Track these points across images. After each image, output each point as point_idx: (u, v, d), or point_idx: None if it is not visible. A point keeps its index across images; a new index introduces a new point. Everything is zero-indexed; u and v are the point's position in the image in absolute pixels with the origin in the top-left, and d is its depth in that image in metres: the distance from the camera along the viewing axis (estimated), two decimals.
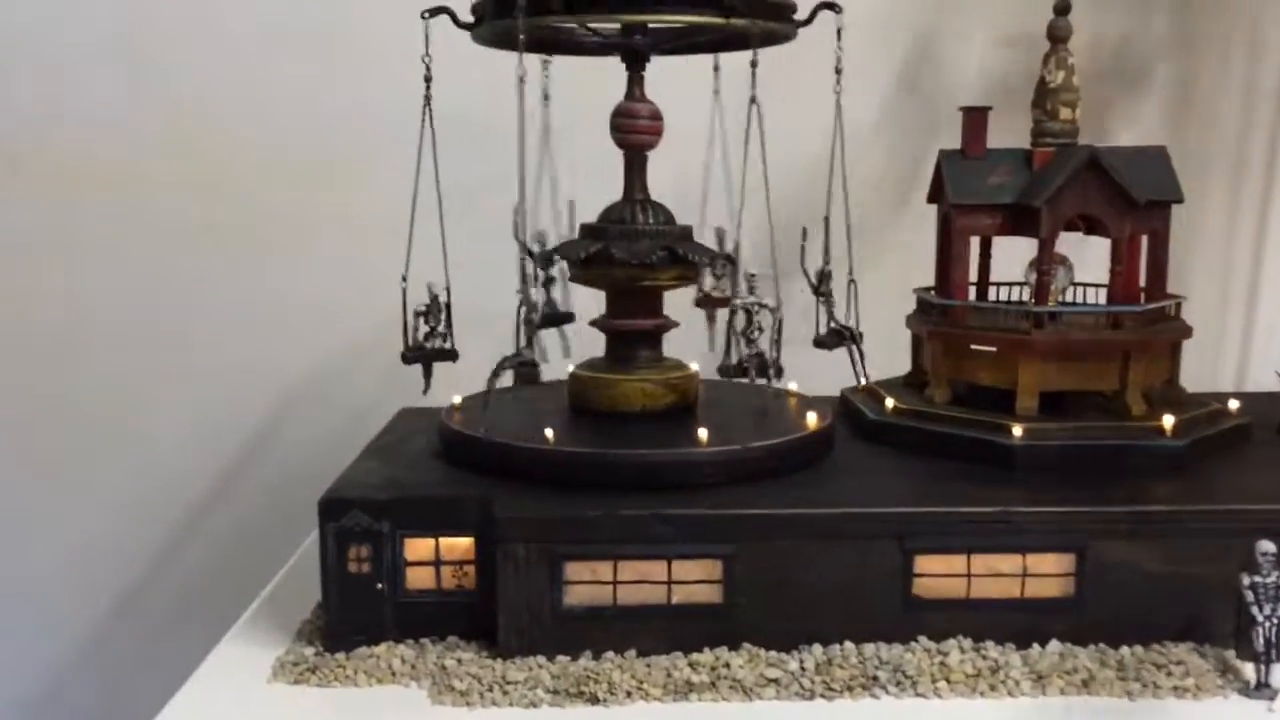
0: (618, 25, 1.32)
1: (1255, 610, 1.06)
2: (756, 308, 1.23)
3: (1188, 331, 1.40)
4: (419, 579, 1.15)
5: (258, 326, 1.94)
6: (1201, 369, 1.96)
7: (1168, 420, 1.27)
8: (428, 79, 1.28)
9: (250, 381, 1.97)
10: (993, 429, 1.29)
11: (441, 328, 1.36)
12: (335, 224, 1.88)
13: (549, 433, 1.21)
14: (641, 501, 1.12)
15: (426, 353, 1.35)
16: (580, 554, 1.11)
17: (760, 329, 1.27)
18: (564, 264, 1.22)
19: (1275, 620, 1.06)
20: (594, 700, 1.06)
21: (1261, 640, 1.06)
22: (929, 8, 1.87)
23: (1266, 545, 1.06)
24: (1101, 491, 1.16)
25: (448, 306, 1.36)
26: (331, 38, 1.84)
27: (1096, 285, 1.42)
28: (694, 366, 1.41)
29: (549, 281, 1.22)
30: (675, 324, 1.38)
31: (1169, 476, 1.22)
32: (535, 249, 1.21)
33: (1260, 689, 1.06)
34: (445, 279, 1.35)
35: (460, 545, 1.15)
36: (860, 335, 1.32)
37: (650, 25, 1.31)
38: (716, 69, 1.40)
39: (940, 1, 1.87)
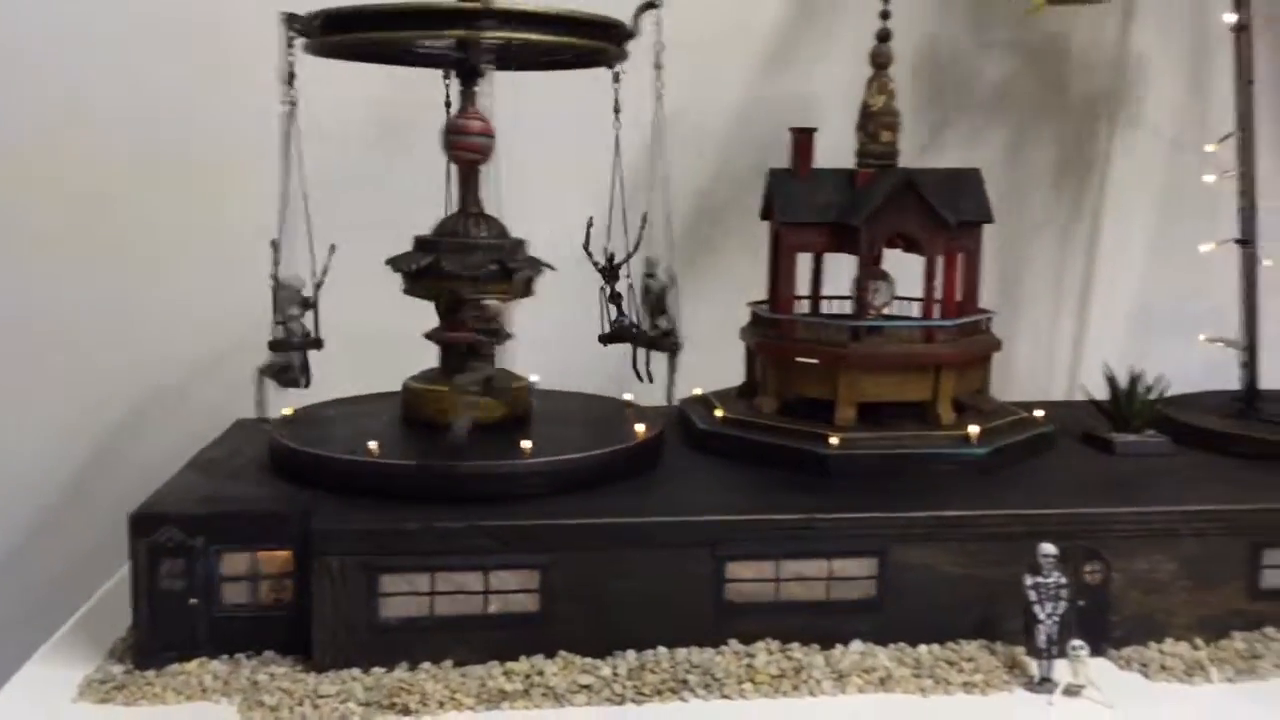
0: (452, 40, 1.34)
1: (1037, 609, 1.13)
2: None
3: (997, 345, 1.47)
4: (235, 594, 1.14)
5: (119, 332, 1.88)
6: (1034, 379, 2.08)
7: (973, 429, 1.34)
8: (288, 79, 1.27)
9: (109, 389, 1.91)
10: (811, 439, 1.34)
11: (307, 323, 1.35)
12: (203, 228, 1.84)
13: (373, 445, 1.22)
14: (460, 513, 1.14)
15: (295, 343, 1.34)
16: (397, 566, 1.12)
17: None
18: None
19: (1056, 618, 1.13)
20: (405, 711, 1.07)
21: (1043, 637, 1.13)
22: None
23: (1047, 547, 1.13)
24: (904, 498, 1.22)
25: (317, 289, 1.35)
26: (202, 38, 1.80)
27: (918, 300, 1.49)
28: (534, 378, 1.44)
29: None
30: (510, 335, 1.40)
31: (971, 483, 1.29)
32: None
33: (1042, 684, 1.13)
34: (312, 275, 1.34)
35: (279, 559, 1.15)
36: (676, 342, 1.37)
37: (484, 42, 1.33)
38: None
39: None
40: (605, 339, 1.43)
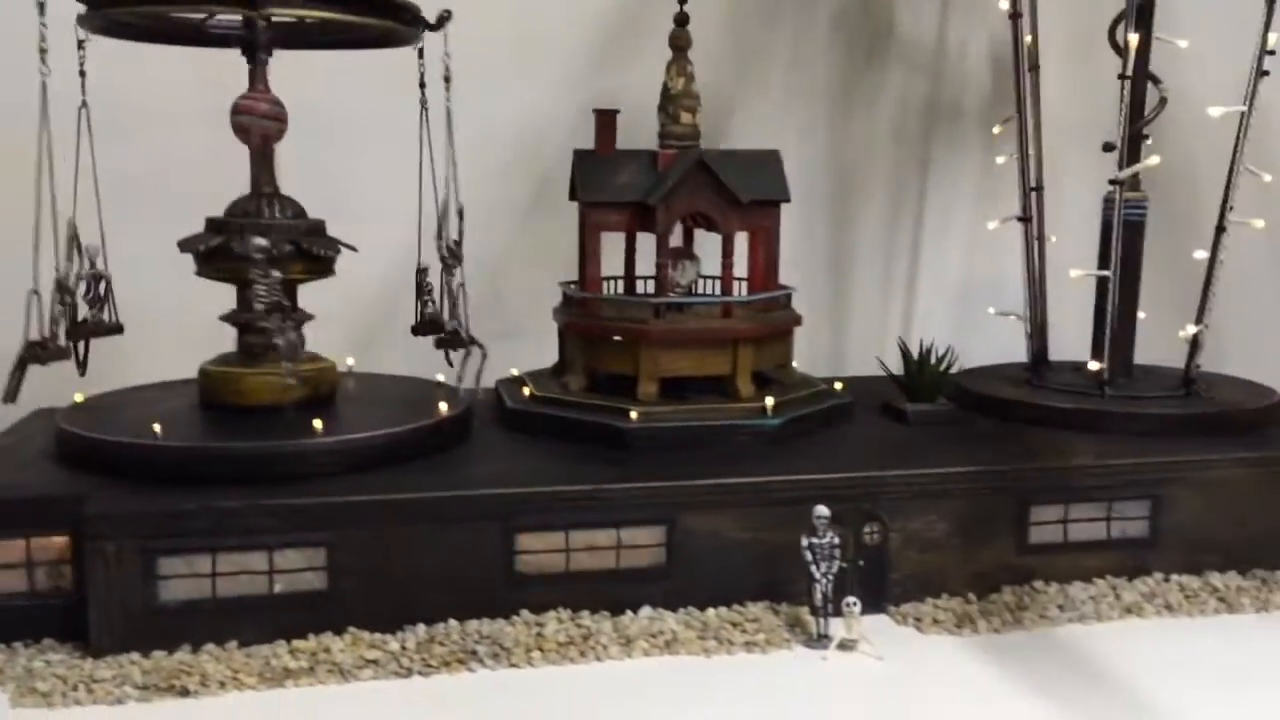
0: (239, 17, 1.32)
1: (813, 569, 1.18)
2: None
3: (797, 320, 1.52)
4: (10, 582, 1.12)
5: None
6: (867, 352, 2.14)
7: (769, 401, 1.39)
8: (42, 52, 1.23)
9: None
10: (613, 414, 1.36)
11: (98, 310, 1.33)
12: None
13: (158, 428, 1.20)
14: (242, 493, 1.13)
15: (89, 328, 1.31)
16: (175, 548, 1.10)
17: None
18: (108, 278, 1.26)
19: (831, 577, 1.18)
20: (184, 693, 1.06)
21: (819, 595, 1.18)
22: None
23: (821, 509, 1.18)
24: (694, 467, 1.26)
25: (108, 282, 1.33)
26: None
27: (729, 278, 1.53)
28: (350, 361, 1.44)
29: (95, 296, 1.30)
30: (310, 316, 1.39)
31: (762, 452, 1.33)
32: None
33: (819, 640, 1.18)
34: (104, 263, 1.33)
35: (55, 545, 1.12)
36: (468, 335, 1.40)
37: (273, 19, 1.32)
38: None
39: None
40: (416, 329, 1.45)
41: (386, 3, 1.26)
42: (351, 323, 1.73)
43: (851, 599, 1.17)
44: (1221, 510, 1.33)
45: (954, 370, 1.56)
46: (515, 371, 1.57)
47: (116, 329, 1.37)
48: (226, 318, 1.36)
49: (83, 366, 1.32)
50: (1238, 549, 1.34)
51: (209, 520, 1.11)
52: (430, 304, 1.46)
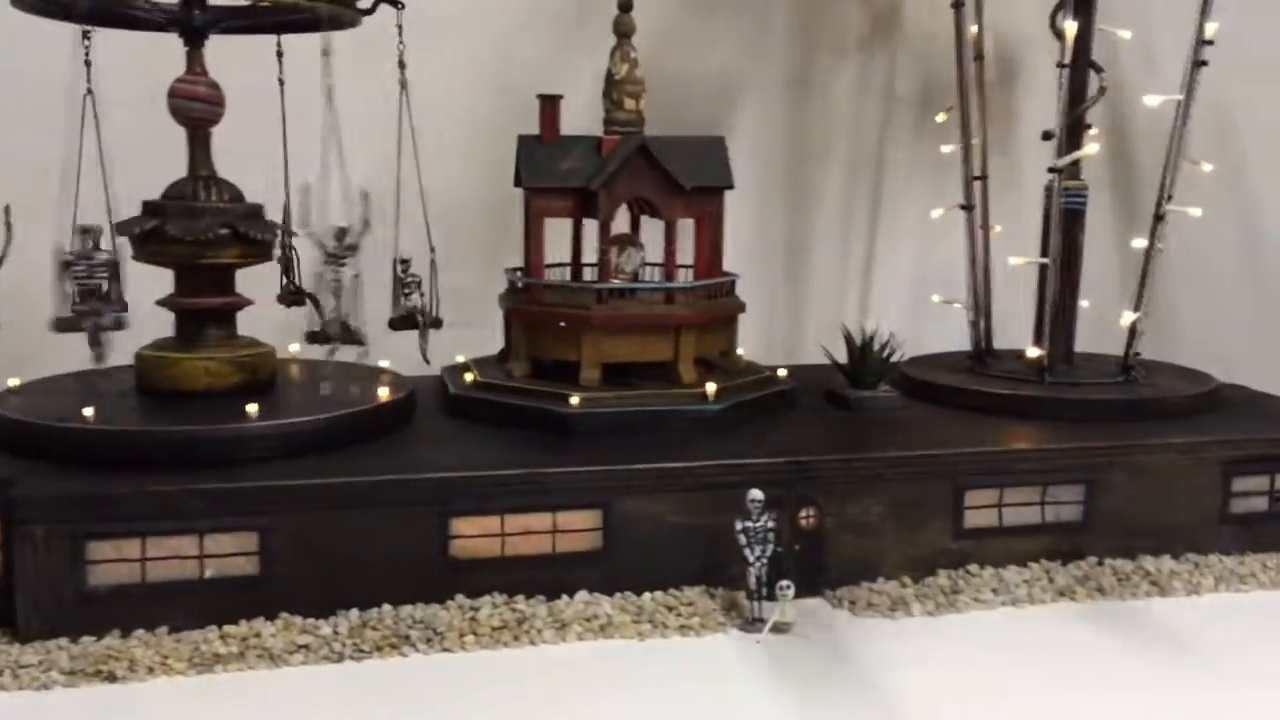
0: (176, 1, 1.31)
1: (747, 552, 1.18)
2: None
3: (740, 306, 1.53)
4: None
5: None
6: (827, 341, 2.15)
7: (710, 387, 1.39)
8: None
9: None
10: (554, 399, 1.36)
11: None
12: None
13: (88, 411, 1.19)
14: (173, 478, 1.12)
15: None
16: (105, 533, 1.09)
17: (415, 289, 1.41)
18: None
19: (765, 561, 1.18)
20: (111, 678, 1.05)
21: (754, 579, 1.18)
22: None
23: (755, 493, 1.18)
24: (632, 452, 1.26)
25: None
26: None
27: (672, 265, 1.53)
28: (293, 347, 1.43)
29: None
30: (249, 301, 1.39)
31: (702, 437, 1.34)
32: None
33: (753, 624, 1.18)
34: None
35: None
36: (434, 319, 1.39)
37: (209, 1, 1.31)
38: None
39: None
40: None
41: None
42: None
43: (785, 582, 1.18)
44: (1155, 495, 1.35)
45: (898, 358, 1.57)
46: (461, 358, 1.57)
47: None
48: (163, 302, 1.35)
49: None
50: (1171, 533, 1.36)
51: (139, 505, 1.10)
52: (412, 297, 1.43)
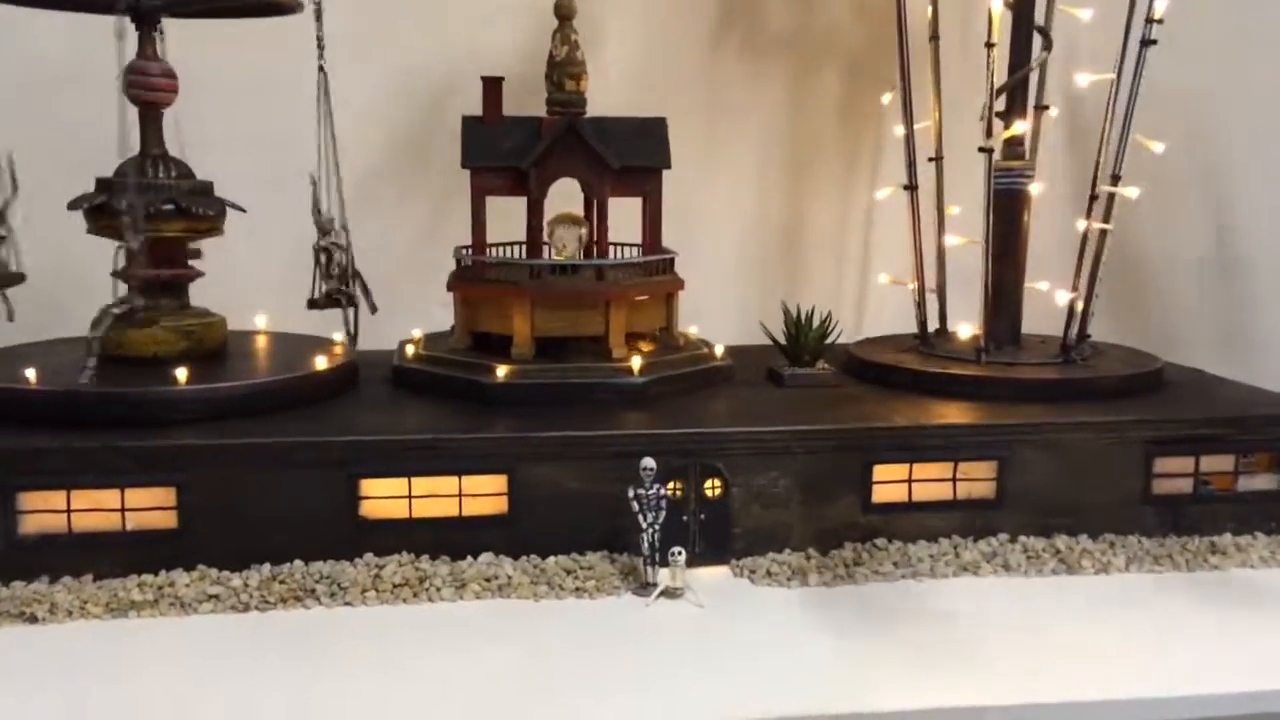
0: None
1: (640, 518, 1.22)
2: (335, 249, 1.46)
3: (679, 284, 1.56)
4: None
5: None
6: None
7: (635, 361, 1.43)
8: None
9: None
10: (483, 371, 1.42)
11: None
12: None
13: (30, 373, 1.28)
14: (101, 435, 1.20)
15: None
16: (33, 484, 1.18)
17: (339, 267, 1.47)
18: (10, 224, 1.29)
19: (658, 528, 1.22)
20: (33, 620, 1.13)
21: (646, 545, 1.22)
22: None
23: (648, 461, 1.22)
24: (547, 421, 1.30)
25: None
26: None
27: (603, 242, 1.57)
28: (259, 320, 1.51)
29: None
30: (199, 274, 1.46)
31: (622, 409, 1.38)
32: None
33: (645, 588, 1.22)
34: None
35: None
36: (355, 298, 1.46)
37: None
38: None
39: None
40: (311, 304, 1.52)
41: None
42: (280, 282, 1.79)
43: (677, 549, 1.21)
44: (1072, 474, 1.35)
45: (834, 338, 1.58)
46: (417, 333, 1.63)
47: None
48: (118, 274, 1.43)
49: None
50: (1088, 513, 1.36)
51: (66, 459, 1.18)
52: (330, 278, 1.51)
